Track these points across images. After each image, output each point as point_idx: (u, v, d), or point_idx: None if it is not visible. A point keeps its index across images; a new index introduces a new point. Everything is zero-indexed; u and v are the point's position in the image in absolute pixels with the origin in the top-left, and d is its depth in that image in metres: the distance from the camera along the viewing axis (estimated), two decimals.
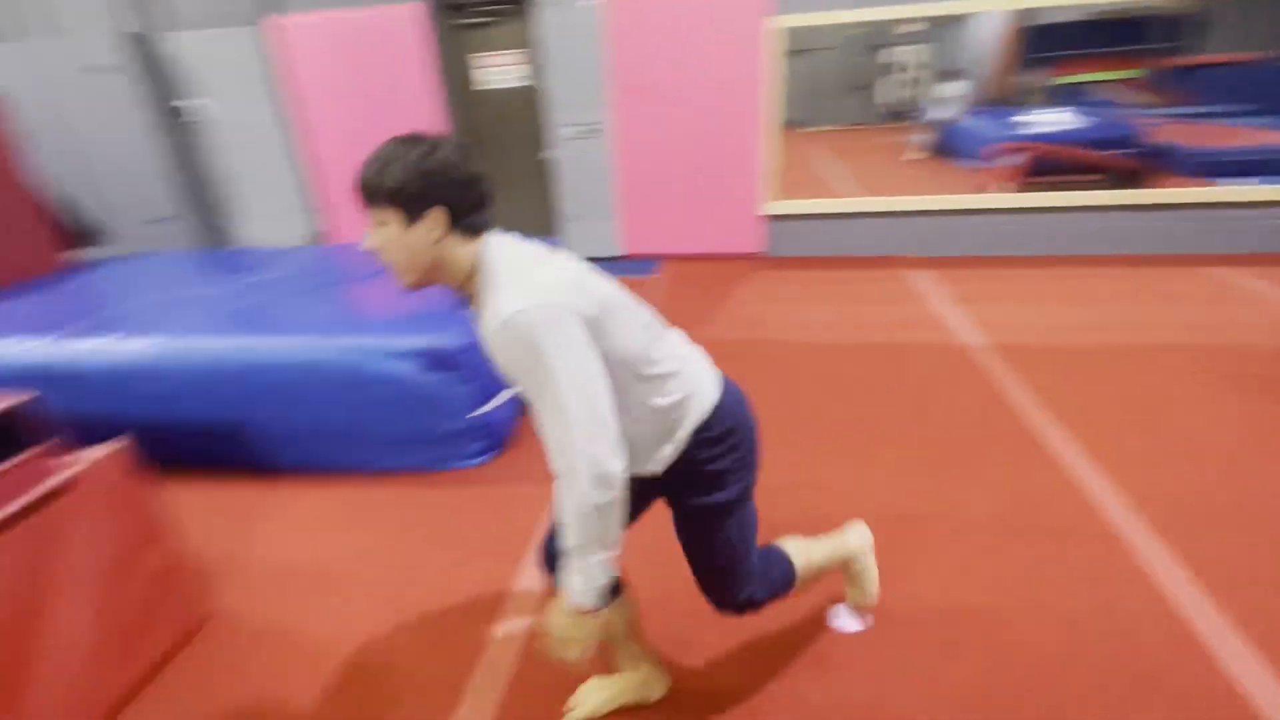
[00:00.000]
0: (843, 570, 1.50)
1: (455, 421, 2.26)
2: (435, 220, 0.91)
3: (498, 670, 1.54)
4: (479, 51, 4.65)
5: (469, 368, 2.22)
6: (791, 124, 4.40)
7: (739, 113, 4.27)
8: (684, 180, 4.53)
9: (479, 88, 4.74)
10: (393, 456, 2.33)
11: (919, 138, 5.44)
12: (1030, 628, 1.56)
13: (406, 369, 2.17)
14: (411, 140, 0.92)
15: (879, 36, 5.21)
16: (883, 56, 5.31)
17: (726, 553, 1.15)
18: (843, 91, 5.50)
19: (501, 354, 0.94)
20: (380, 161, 0.91)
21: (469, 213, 0.93)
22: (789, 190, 4.51)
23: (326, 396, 2.20)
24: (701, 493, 1.11)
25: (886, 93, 5.44)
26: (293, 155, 4.88)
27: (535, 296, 0.88)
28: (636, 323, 1.01)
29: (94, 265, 3.50)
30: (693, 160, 4.45)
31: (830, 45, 5.15)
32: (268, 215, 5.13)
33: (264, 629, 1.72)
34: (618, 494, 0.92)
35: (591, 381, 0.90)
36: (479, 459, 2.38)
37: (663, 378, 1.02)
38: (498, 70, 4.68)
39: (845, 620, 1.58)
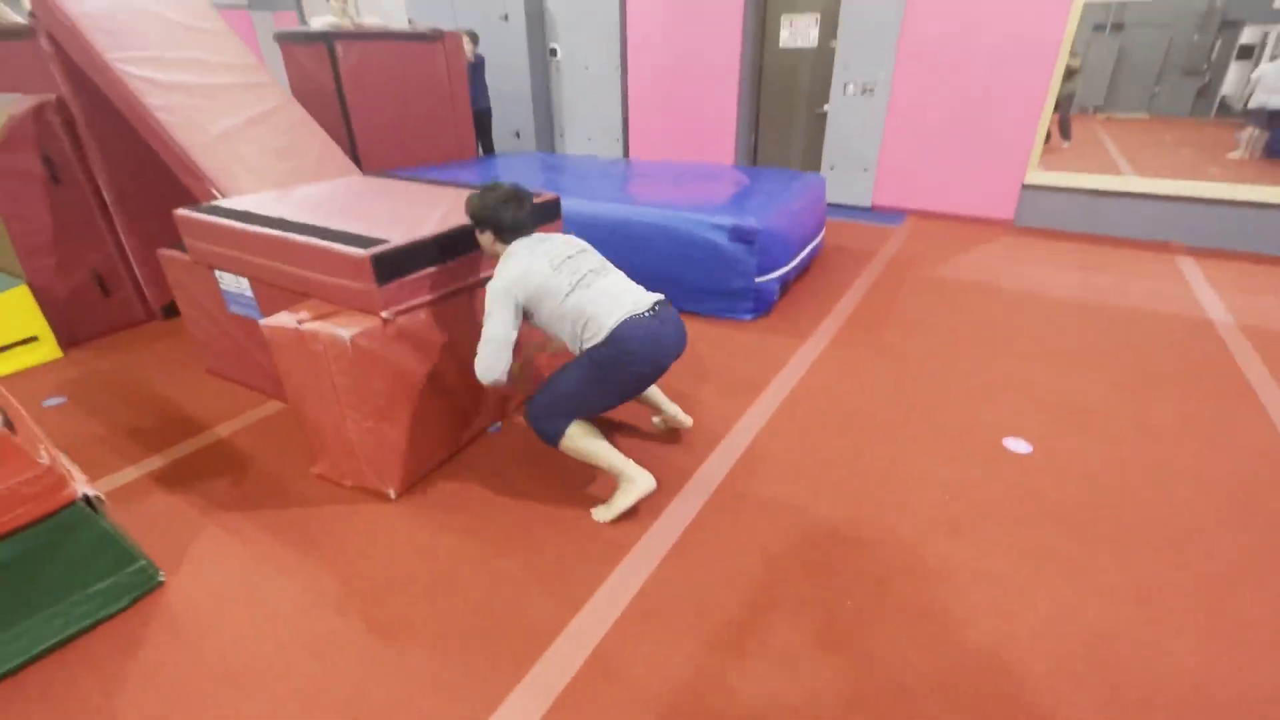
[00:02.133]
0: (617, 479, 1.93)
1: (743, 282, 3.19)
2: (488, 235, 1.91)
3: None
4: (788, 13, 5.41)
5: (762, 245, 3.11)
6: (1095, 109, 4.40)
7: (1021, 84, 4.49)
8: (946, 143, 4.89)
9: (782, 46, 5.53)
10: (690, 301, 3.35)
11: (1253, 134, 4.34)
12: None
13: (719, 237, 3.13)
14: (484, 190, 1.90)
15: (1238, 8, 4.06)
16: (1244, 37, 4.10)
17: (554, 380, 1.88)
18: (1170, 76, 4.39)
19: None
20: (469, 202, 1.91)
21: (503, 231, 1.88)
22: (1056, 166, 4.63)
23: (665, 249, 3.26)
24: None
25: (1238, 81, 4.19)
26: (617, 92, 6.18)
27: (499, 279, 1.81)
28: (556, 297, 1.79)
29: (489, 158, 5.07)
30: (960, 125, 4.79)
31: (1159, 21, 4.25)
32: (589, 135, 6.57)
33: None
34: (488, 382, 1.84)
35: (498, 334, 1.80)
36: (750, 315, 3.30)
37: (578, 318, 1.78)
38: (800, 31, 5.41)
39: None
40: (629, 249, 3.34)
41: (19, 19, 3.23)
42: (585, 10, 6.04)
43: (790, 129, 5.86)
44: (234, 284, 2.36)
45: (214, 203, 2.41)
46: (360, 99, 4.31)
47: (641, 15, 5.77)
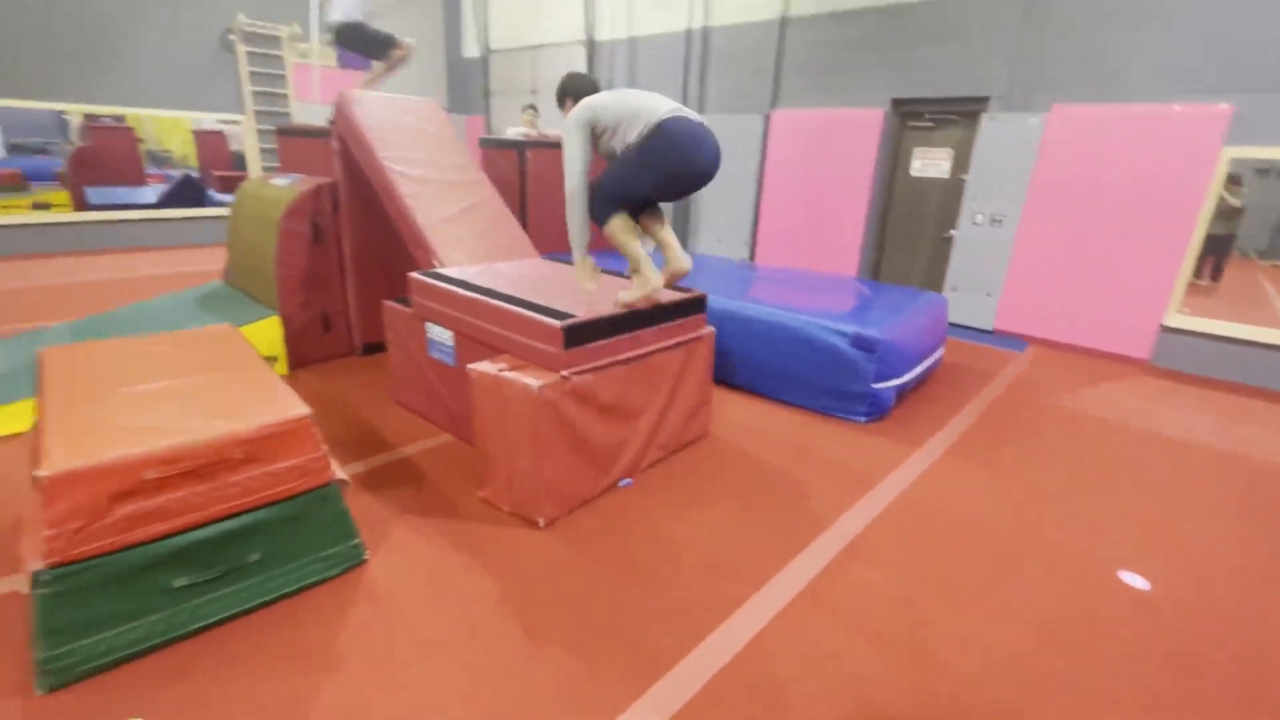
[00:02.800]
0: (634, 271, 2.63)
1: (860, 386, 3.42)
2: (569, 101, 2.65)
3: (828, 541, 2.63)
4: (920, 146, 5.83)
5: (881, 354, 3.35)
6: (1258, 254, 4.32)
7: (1160, 227, 4.53)
8: (1077, 277, 4.93)
9: (913, 174, 5.92)
10: (807, 397, 3.61)
11: None
12: None
13: (841, 342, 3.42)
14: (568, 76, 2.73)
15: None
16: None
17: (606, 173, 2.52)
18: None
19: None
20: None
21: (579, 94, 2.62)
22: (1204, 308, 4.53)
23: (789, 348, 3.58)
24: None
25: None
26: (751, 201, 6.80)
27: (573, 111, 2.53)
28: (617, 103, 2.47)
29: None
30: (1093, 261, 4.84)
31: None
32: (719, 236, 7.19)
33: (727, 446, 3.13)
34: (573, 190, 2.51)
35: (576, 156, 2.48)
36: (863, 418, 3.49)
37: (635, 117, 2.44)
38: (932, 163, 5.79)
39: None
40: (757, 344, 3.70)
41: (321, 122, 4.28)
42: (730, 130, 6.80)
43: (914, 249, 6.13)
44: (440, 334, 2.95)
45: (436, 269, 3.06)
46: (538, 194, 5.14)
47: (782, 138, 6.42)
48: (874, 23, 5.75)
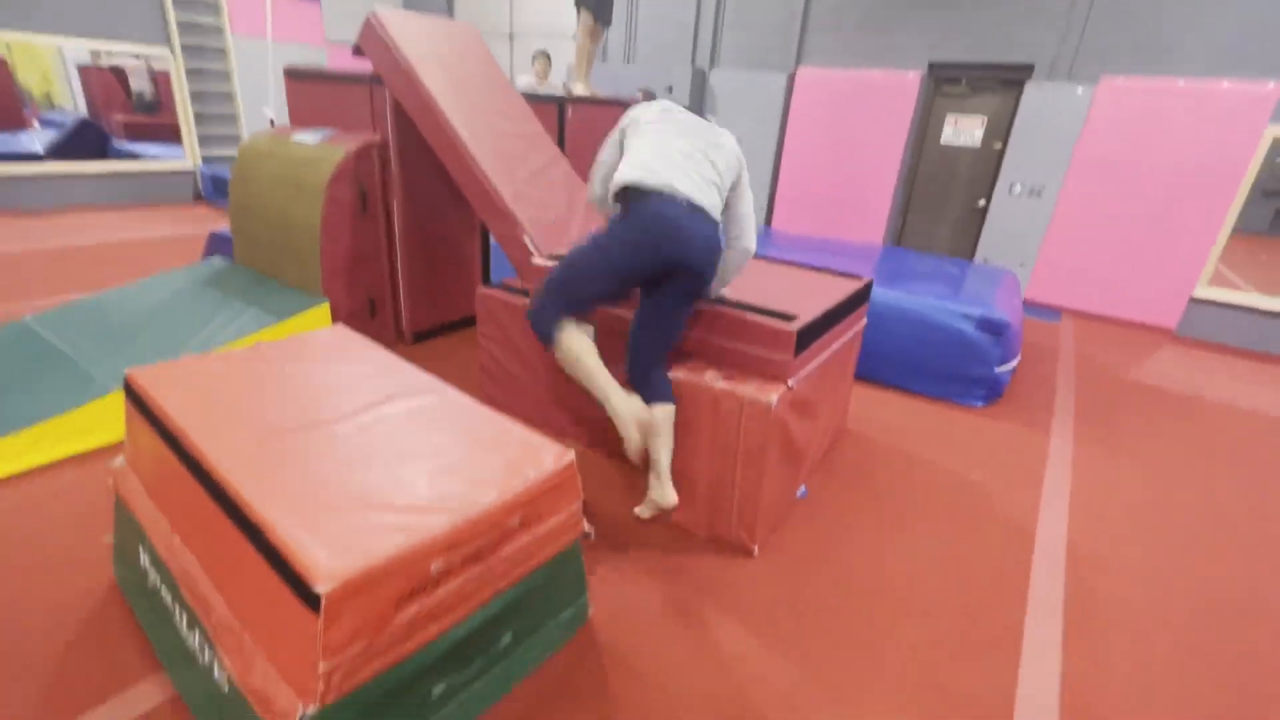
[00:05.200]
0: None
1: (983, 370, 3.30)
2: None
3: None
4: (953, 113, 5.73)
5: (1006, 336, 3.24)
6: None
7: (1201, 203, 4.68)
8: (1114, 249, 5.06)
9: (943, 143, 5.83)
10: (922, 383, 3.47)
11: None
12: None
13: (966, 326, 3.27)
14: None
15: None
16: None
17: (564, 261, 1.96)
18: None
19: None
20: None
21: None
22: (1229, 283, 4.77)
23: (902, 331, 3.39)
24: None
25: None
26: (768, 166, 6.50)
27: None
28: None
29: None
30: (1131, 234, 4.97)
31: None
32: None
33: (869, 442, 2.94)
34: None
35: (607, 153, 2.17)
36: (981, 402, 3.40)
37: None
38: (964, 131, 5.71)
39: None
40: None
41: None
42: (748, 90, 6.43)
43: (939, 218, 6.10)
44: None
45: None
46: (575, 150, 4.60)
47: (807, 98, 6.13)
48: None
